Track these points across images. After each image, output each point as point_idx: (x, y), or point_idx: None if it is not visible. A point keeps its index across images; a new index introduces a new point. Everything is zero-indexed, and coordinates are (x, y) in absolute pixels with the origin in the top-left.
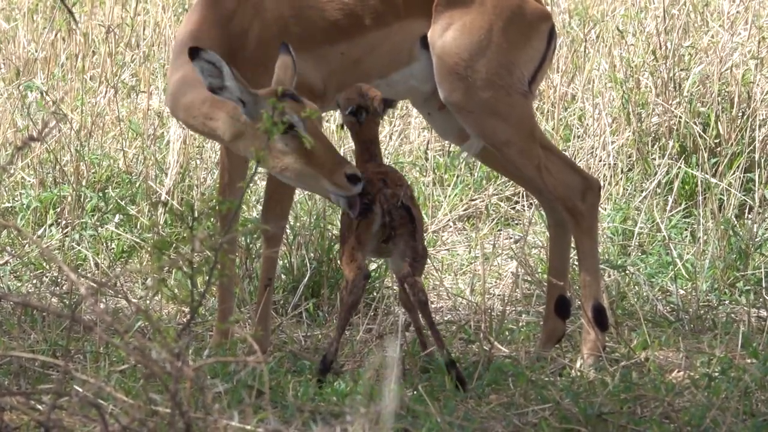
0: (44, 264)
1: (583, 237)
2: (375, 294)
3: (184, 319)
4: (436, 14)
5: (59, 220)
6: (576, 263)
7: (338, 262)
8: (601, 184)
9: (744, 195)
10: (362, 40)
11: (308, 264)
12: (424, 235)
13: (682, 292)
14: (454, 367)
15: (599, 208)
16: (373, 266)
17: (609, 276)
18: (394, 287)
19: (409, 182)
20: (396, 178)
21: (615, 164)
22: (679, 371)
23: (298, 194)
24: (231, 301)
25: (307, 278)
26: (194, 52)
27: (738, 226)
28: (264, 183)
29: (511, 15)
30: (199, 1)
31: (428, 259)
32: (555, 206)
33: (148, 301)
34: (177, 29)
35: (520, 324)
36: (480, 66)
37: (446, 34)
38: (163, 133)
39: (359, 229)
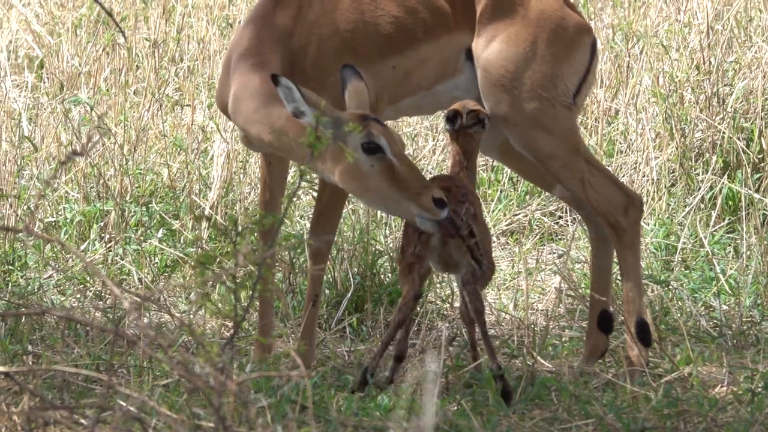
0: (88, 278)
1: (626, 252)
2: (418, 309)
3: (228, 334)
4: (479, 26)
5: (103, 235)
6: (619, 278)
7: (382, 277)
8: (645, 199)
9: None
10: (413, 53)
11: (352, 279)
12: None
13: (725, 307)
14: (503, 379)
15: (642, 224)
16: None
17: (652, 291)
18: (437, 302)
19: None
20: (460, 193)
21: (658, 180)
22: (722, 386)
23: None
24: (271, 316)
25: (350, 293)
26: (275, 79)
27: None
28: (306, 198)
29: (554, 27)
30: (251, 20)
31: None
32: (596, 220)
33: (191, 316)
34: (222, 44)
35: (564, 339)
36: (525, 78)
37: (491, 46)
38: (206, 147)
39: (419, 243)
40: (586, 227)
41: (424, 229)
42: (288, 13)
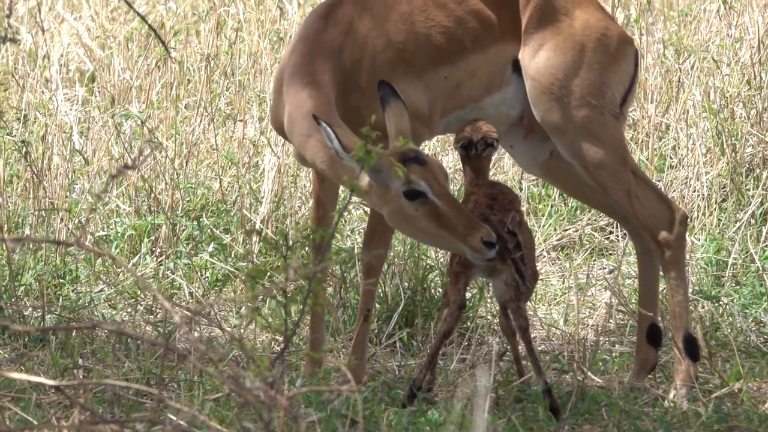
0: (139, 292)
1: (671, 267)
2: (469, 323)
3: (278, 348)
4: (526, 36)
5: (154, 249)
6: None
7: (432, 292)
8: (695, 214)
9: None
10: (463, 64)
11: (402, 293)
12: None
13: None
14: (550, 395)
15: (693, 239)
16: (467, 295)
17: (703, 307)
18: (488, 317)
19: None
20: (506, 201)
21: (709, 195)
22: None
23: None
24: (322, 330)
25: (401, 308)
26: (315, 119)
27: None
28: (357, 213)
29: (600, 36)
30: (301, 38)
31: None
32: (642, 234)
33: (242, 330)
34: (273, 59)
35: (614, 354)
36: (574, 85)
37: (539, 55)
38: (257, 161)
39: None
40: (631, 241)
41: (476, 263)
42: (339, 29)
